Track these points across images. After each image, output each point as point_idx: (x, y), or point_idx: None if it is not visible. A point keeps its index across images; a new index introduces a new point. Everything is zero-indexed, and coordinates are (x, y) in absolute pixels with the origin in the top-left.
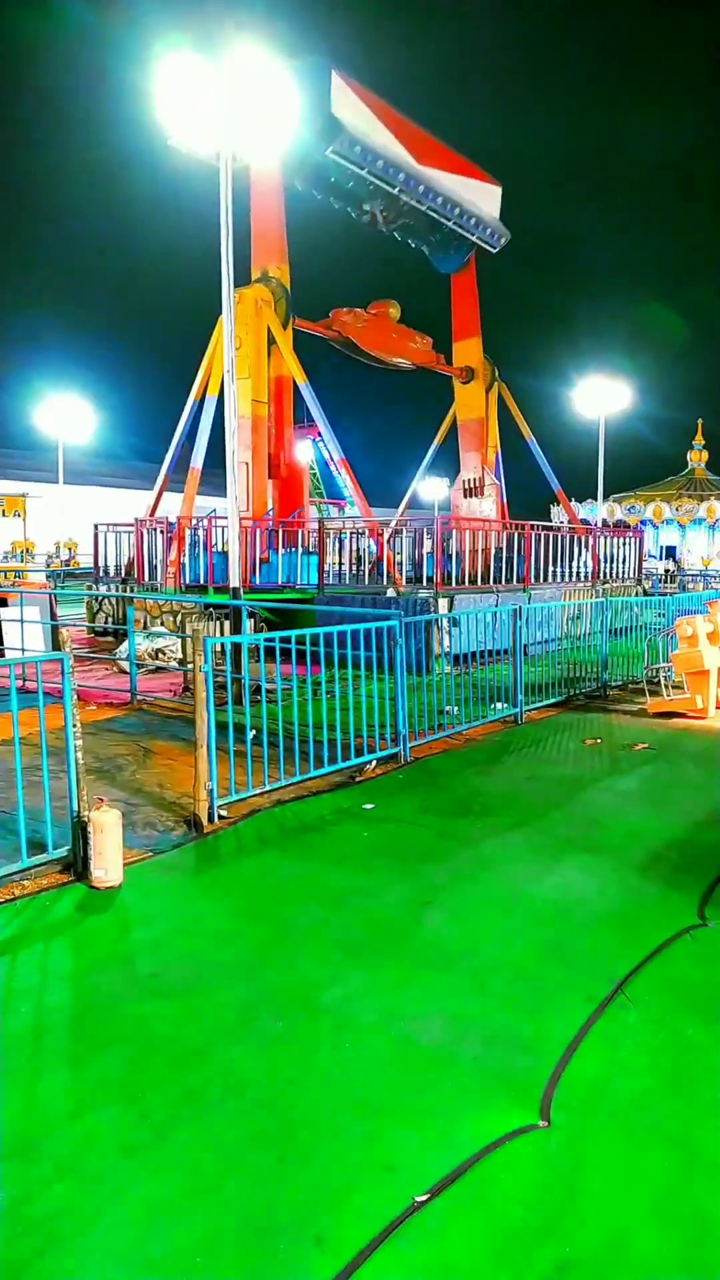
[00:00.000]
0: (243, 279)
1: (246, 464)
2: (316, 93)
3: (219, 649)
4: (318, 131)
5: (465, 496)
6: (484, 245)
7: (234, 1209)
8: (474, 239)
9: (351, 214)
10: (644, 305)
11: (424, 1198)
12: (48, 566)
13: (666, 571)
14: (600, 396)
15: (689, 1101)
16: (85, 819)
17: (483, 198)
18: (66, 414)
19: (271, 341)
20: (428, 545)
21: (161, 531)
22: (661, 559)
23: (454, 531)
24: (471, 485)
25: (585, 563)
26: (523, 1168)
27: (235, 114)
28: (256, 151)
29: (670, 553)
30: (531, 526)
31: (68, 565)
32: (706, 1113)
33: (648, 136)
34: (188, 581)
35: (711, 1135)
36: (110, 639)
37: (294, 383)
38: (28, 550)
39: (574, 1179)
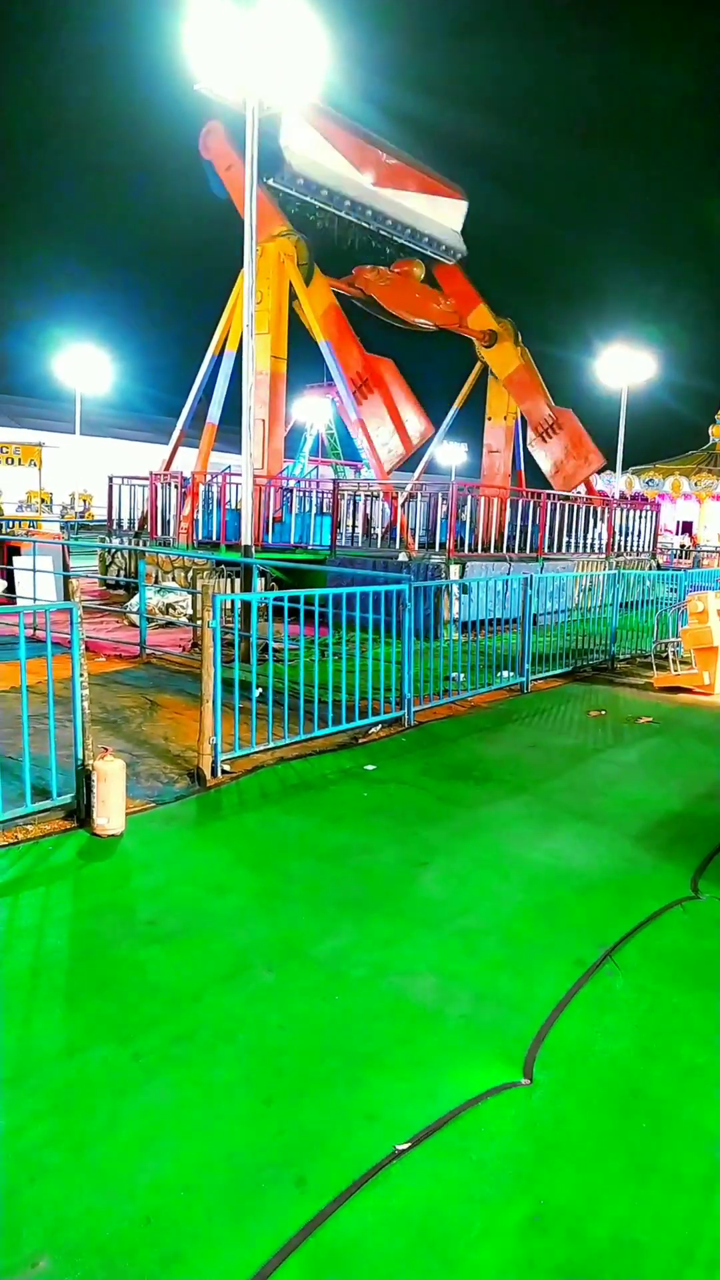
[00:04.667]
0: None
1: (263, 421)
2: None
3: (228, 606)
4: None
5: (542, 440)
6: (439, 258)
7: (219, 1147)
8: (428, 253)
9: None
10: (672, 268)
11: (405, 1146)
12: (62, 517)
13: (682, 546)
14: (623, 366)
15: (670, 1065)
16: (90, 767)
17: (445, 213)
18: (84, 364)
19: (293, 297)
20: (442, 510)
21: (176, 486)
22: (678, 534)
23: (469, 498)
24: (547, 424)
25: (600, 535)
26: (503, 1122)
27: (263, 59)
28: (294, 99)
29: (687, 528)
30: (547, 496)
31: (82, 517)
32: (686, 1076)
33: (679, 85)
34: (200, 538)
35: (690, 1098)
36: (122, 592)
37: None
38: (43, 500)
39: (553, 1135)
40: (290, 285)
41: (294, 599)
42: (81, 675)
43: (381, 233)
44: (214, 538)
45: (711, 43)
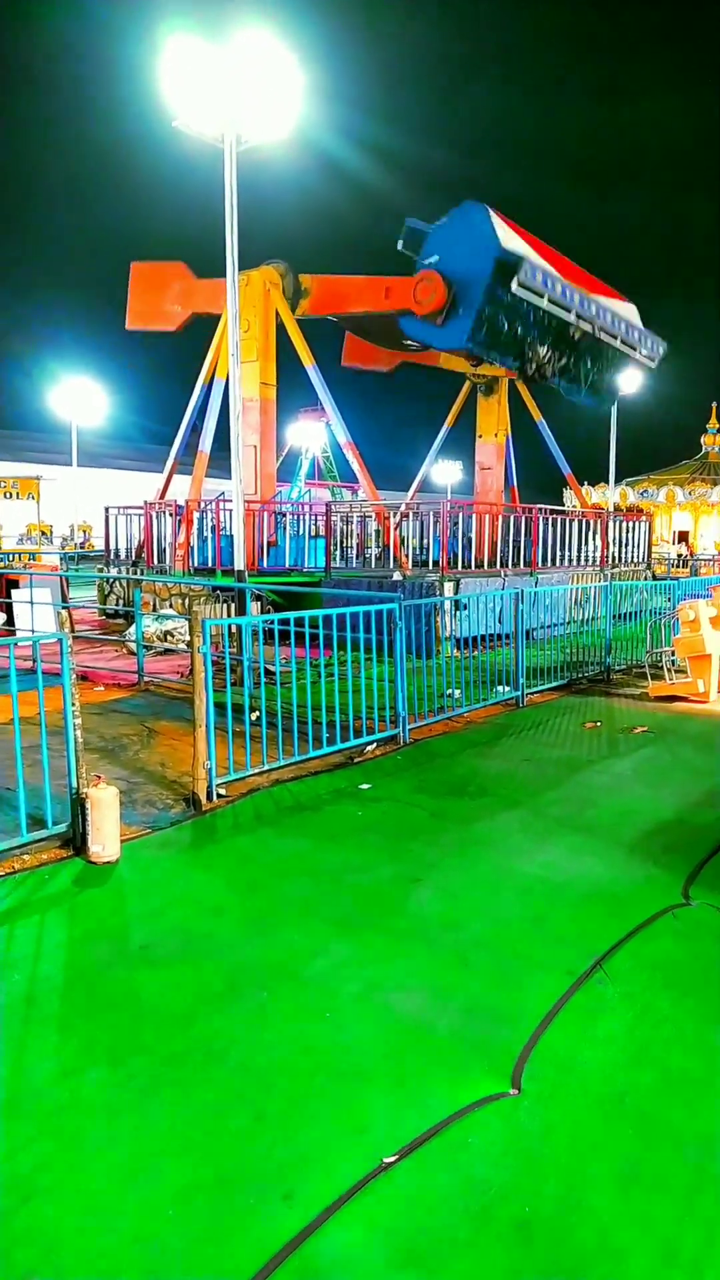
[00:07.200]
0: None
1: (254, 447)
2: (480, 234)
3: (223, 630)
4: (489, 275)
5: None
6: (644, 362)
7: (209, 1165)
8: (638, 356)
9: (512, 364)
10: (656, 286)
11: (393, 1159)
12: (62, 549)
13: (679, 555)
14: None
15: (658, 1074)
16: (83, 796)
17: (630, 316)
18: (79, 396)
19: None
20: (436, 529)
21: (170, 514)
22: (674, 543)
23: (461, 515)
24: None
25: (595, 547)
26: (491, 1133)
27: (240, 95)
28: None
29: (683, 537)
30: (539, 510)
31: (82, 548)
32: (673, 1083)
33: (654, 121)
34: (196, 564)
35: (676, 1104)
36: (121, 621)
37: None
38: (43, 532)
39: (540, 1145)
40: (277, 312)
41: (286, 621)
42: (73, 705)
43: (603, 332)
44: (209, 564)
45: (691, 85)
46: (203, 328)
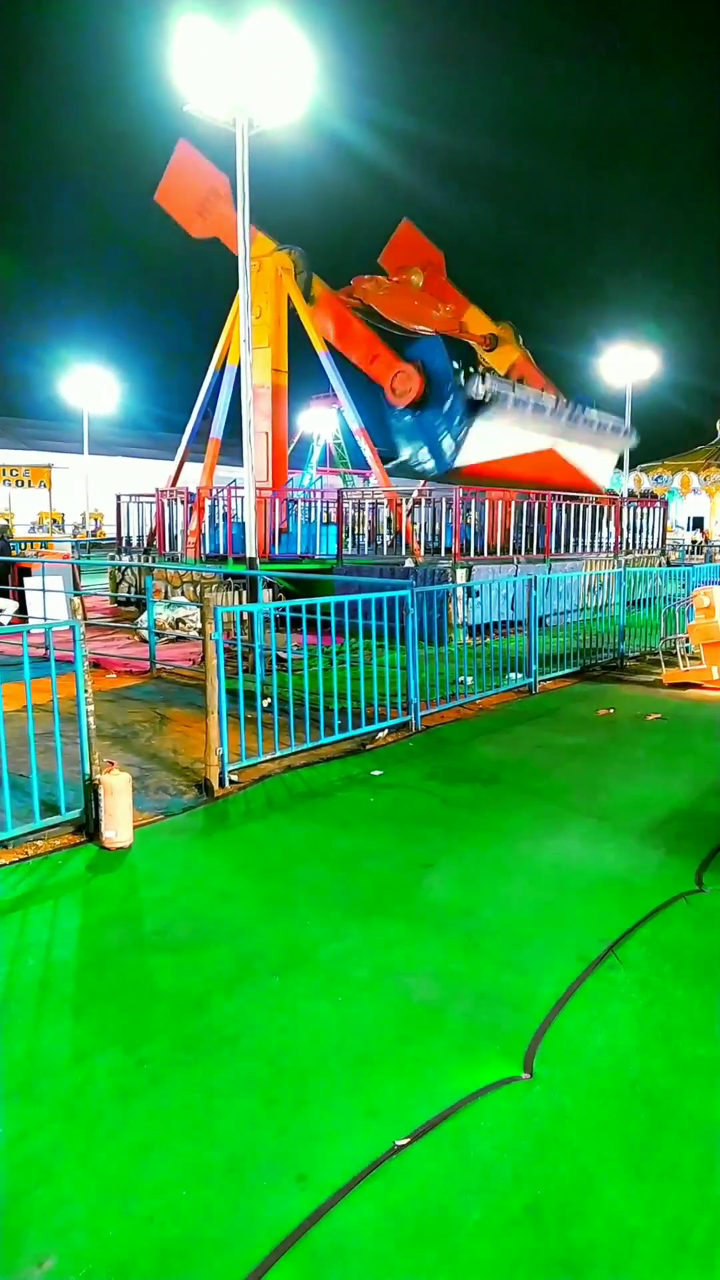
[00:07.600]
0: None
1: (266, 434)
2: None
3: (234, 618)
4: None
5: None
6: None
7: (221, 1148)
8: None
9: None
10: (674, 272)
11: (404, 1141)
12: (74, 537)
13: (694, 542)
14: (627, 364)
15: (670, 1059)
16: (96, 782)
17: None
18: (91, 384)
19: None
20: (448, 515)
21: (182, 502)
22: (689, 529)
23: (474, 502)
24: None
25: (610, 533)
26: (502, 1117)
27: (252, 78)
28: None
29: (698, 523)
30: (552, 497)
31: (94, 536)
32: (686, 1070)
33: (677, 104)
34: (208, 552)
35: (688, 1090)
36: (133, 608)
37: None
38: (55, 520)
39: (551, 1129)
40: (289, 298)
41: (297, 608)
42: (86, 691)
43: None
44: (221, 551)
45: (703, 60)
46: (217, 257)
